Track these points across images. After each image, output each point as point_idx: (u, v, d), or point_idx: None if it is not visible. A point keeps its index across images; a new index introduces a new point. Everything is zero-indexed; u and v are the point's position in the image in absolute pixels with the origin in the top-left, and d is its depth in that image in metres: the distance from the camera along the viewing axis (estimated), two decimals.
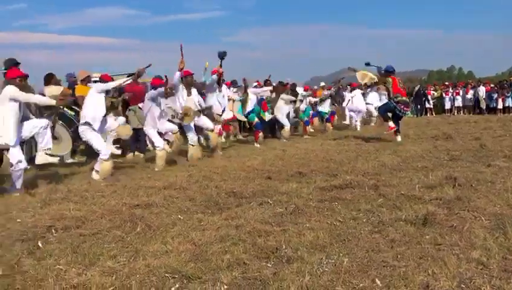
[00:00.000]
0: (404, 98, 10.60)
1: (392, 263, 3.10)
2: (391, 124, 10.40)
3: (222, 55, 9.38)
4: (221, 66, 9.42)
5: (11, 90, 5.88)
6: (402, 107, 10.47)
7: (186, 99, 8.56)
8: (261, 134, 11.27)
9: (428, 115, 23.24)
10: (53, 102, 6.35)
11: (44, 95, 7.92)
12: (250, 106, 11.22)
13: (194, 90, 8.92)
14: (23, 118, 6.14)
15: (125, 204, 4.88)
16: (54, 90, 8.39)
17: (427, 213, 4.04)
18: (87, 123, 6.83)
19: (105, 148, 6.93)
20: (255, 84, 12.55)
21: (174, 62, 8.32)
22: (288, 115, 12.29)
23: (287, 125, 12.22)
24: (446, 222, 3.90)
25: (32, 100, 6.26)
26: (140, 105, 9.37)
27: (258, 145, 10.76)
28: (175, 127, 8.21)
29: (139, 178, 6.70)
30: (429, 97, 23.79)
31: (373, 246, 3.46)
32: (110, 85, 7.24)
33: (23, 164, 5.91)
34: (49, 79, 8.88)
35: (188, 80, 8.67)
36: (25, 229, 4.06)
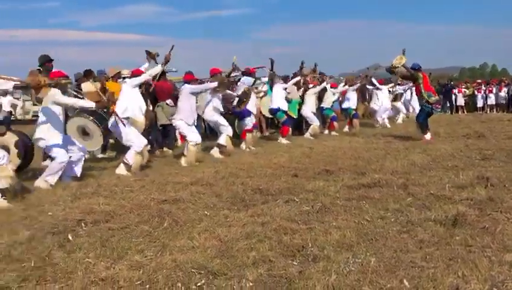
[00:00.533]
0: (436, 97, 10.44)
1: (420, 264, 3.05)
2: (428, 136, 10.13)
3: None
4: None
5: (56, 93, 6.05)
6: (436, 106, 10.49)
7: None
8: (290, 130, 11.22)
9: (459, 113, 22.75)
10: (92, 105, 6.46)
11: (80, 90, 8.13)
12: (276, 103, 11.11)
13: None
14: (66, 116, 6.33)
15: (153, 199, 4.94)
16: (92, 86, 8.59)
17: (458, 213, 3.95)
18: (127, 118, 6.97)
19: (139, 140, 7.04)
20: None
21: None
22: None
23: (316, 122, 12.14)
24: (477, 223, 3.80)
25: (76, 105, 6.44)
26: (168, 101, 9.50)
27: (285, 142, 10.74)
28: (199, 138, 8.10)
29: (167, 173, 6.77)
30: (460, 95, 23.28)
31: (401, 246, 3.40)
32: (144, 77, 7.38)
33: (66, 159, 6.09)
34: (88, 75, 9.12)
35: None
36: (56, 222, 4.15)
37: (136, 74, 7.51)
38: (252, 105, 9.83)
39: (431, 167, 6.61)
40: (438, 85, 22.19)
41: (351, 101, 13.84)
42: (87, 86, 8.59)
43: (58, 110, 6.11)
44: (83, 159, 6.58)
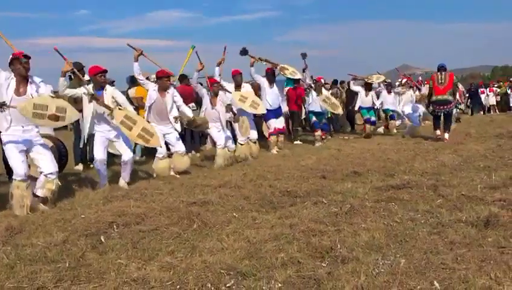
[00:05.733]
0: (438, 96, 10.17)
1: (451, 266, 3.01)
2: (438, 133, 10.36)
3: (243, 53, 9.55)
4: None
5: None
6: (436, 107, 10.28)
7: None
8: (317, 132, 11.10)
9: (491, 112, 22.20)
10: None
11: (128, 96, 8.42)
12: (313, 105, 11.19)
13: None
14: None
15: (182, 201, 5.00)
16: (141, 91, 8.83)
17: (490, 215, 3.87)
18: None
19: (163, 147, 7.02)
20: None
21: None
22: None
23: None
24: (510, 224, 3.72)
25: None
26: (190, 105, 9.61)
27: (318, 144, 10.77)
28: (222, 141, 8.05)
29: (196, 177, 6.85)
30: (491, 94, 22.69)
31: (431, 248, 3.37)
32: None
33: (100, 160, 6.15)
34: (133, 81, 9.41)
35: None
36: (89, 224, 4.24)
37: (158, 75, 7.36)
38: (276, 105, 9.84)
39: (462, 168, 6.49)
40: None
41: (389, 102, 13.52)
42: (136, 91, 8.94)
43: (91, 105, 6.13)
44: (131, 162, 6.45)
